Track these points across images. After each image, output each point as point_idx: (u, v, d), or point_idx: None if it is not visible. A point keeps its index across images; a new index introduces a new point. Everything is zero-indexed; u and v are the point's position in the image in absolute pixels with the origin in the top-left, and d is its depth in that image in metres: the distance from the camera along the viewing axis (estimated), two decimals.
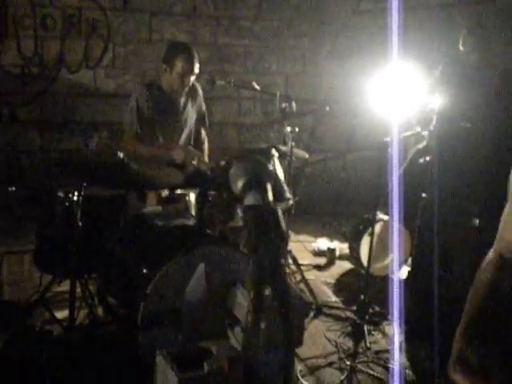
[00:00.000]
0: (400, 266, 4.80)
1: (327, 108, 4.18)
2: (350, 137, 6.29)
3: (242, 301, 3.06)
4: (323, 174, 6.51)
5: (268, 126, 5.39)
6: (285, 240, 3.03)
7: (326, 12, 6.25)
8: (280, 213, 2.94)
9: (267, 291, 2.60)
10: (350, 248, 4.97)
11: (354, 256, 4.87)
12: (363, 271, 4.62)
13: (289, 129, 3.95)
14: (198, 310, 3.16)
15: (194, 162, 4.06)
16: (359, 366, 3.47)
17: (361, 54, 6.03)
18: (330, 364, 3.54)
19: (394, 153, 4.30)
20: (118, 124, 5.64)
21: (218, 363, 2.87)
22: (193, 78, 4.18)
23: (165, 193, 3.83)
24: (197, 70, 4.14)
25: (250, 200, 2.89)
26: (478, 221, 3.48)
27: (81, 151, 5.60)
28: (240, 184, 2.95)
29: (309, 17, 6.22)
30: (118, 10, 5.57)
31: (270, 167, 3.08)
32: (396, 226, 4.46)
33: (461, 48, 4.95)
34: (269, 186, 3.03)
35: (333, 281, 4.73)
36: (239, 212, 3.49)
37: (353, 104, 5.57)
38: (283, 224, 2.87)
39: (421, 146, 4.35)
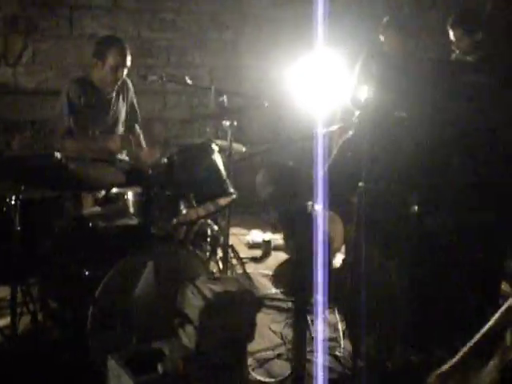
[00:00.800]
0: (333, 255, 4.88)
1: (266, 104, 4.19)
2: (277, 128, 6.34)
3: (193, 299, 3.05)
4: (249, 165, 6.53)
5: (200, 120, 5.34)
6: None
7: (248, 4, 6.25)
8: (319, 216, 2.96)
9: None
10: (284, 238, 5.01)
11: (288, 246, 4.91)
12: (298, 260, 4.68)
13: (228, 123, 3.94)
14: (149, 310, 3.13)
15: (132, 149, 4.05)
16: (307, 356, 3.51)
17: (285, 44, 6.05)
18: (278, 356, 3.57)
19: (319, 144, 4.38)
20: (41, 122, 5.52)
21: (172, 363, 2.85)
22: (125, 72, 4.12)
23: (101, 193, 3.76)
24: (129, 62, 4.09)
25: (283, 206, 2.92)
26: (416, 208, 3.57)
27: (3, 152, 5.44)
28: (269, 190, 2.94)
29: (231, 9, 6.20)
30: (37, 5, 5.39)
31: (298, 172, 3.10)
32: (326, 213, 4.52)
33: (381, 38, 5.08)
34: (299, 191, 3.05)
35: (270, 272, 4.76)
36: (182, 209, 3.47)
37: (277, 95, 5.59)
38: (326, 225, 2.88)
39: (349, 135, 4.43)
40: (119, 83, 4.20)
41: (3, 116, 5.48)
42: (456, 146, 3.42)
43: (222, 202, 3.72)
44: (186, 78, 4.30)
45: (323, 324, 3.90)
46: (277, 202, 2.89)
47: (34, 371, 3.12)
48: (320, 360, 3.44)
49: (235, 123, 3.93)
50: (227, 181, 3.57)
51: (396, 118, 3.64)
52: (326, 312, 3.98)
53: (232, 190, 3.56)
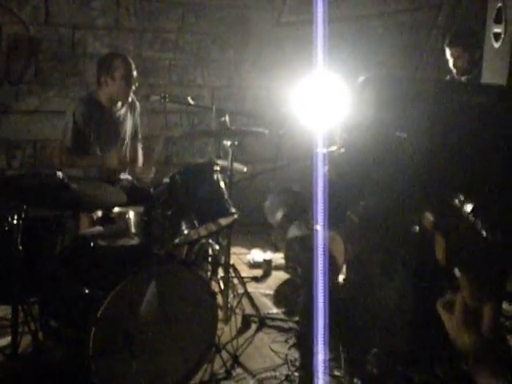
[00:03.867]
0: (334, 274, 4.87)
1: (266, 132, 4.21)
2: (278, 148, 6.35)
3: None
4: (251, 185, 6.54)
5: (198, 139, 5.35)
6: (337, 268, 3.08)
7: (250, 24, 6.29)
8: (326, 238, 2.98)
9: None
10: (285, 258, 5.00)
11: (290, 266, 4.90)
12: (300, 281, 4.67)
13: (229, 143, 3.96)
14: (152, 329, 3.12)
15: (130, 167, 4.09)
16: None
17: (285, 65, 6.09)
18: (280, 376, 3.56)
19: (319, 164, 4.39)
20: (42, 141, 5.54)
21: None
22: (135, 85, 4.16)
23: (98, 213, 3.78)
24: (135, 73, 4.14)
25: (293, 231, 2.94)
26: (418, 228, 3.57)
27: (4, 171, 5.46)
28: (279, 215, 2.97)
29: (233, 29, 6.23)
30: (40, 25, 5.42)
31: (307, 196, 3.13)
32: (326, 233, 4.52)
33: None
34: (311, 215, 3.07)
35: (272, 292, 4.75)
36: (184, 229, 3.47)
37: (279, 115, 5.61)
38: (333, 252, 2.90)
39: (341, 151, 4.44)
40: (130, 99, 4.24)
41: (5, 135, 5.50)
42: (456, 166, 3.42)
43: (224, 221, 3.72)
44: (188, 98, 4.33)
45: (323, 344, 3.90)
46: (287, 227, 2.93)
47: None
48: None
49: (236, 143, 3.95)
50: (229, 201, 3.58)
51: (396, 138, 3.66)
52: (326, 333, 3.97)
53: (233, 210, 3.57)
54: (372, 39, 6.41)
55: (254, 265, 5.27)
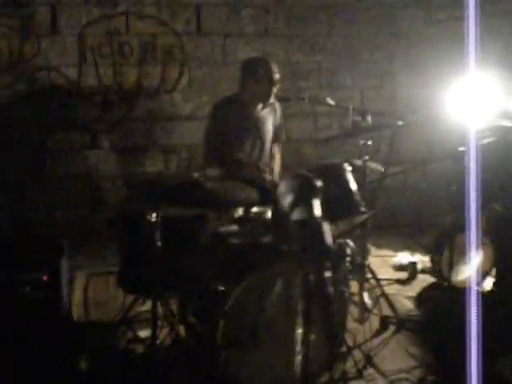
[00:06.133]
0: (482, 278, 4.68)
1: (400, 122, 4.12)
2: (429, 147, 6.20)
3: None
4: (404, 186, 6.44)
5: (338, 139, 5.34)
6: (329, 252, 3.05)
7: (398, 24, 6.20)
8: (326, 227, 2.96)
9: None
10: (432, 261, 4.87)
11: (435, 269, 4.77)
12: (446, 284, 4.54)
13: (362, 142, 3.94)
14: (277, 325, 3.18)
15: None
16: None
17: (435, 64, 5.95)
18: (413, 379, 3.48)
19: (471, 162, 4.23)
20: (196, 146, 5.79)
21: None
22: (277, 86, 4.25)
23: (238, 213, 3.88)
24: (277, 75, 4.22)
25: (296, 215, 2.96)
26: None
27: (161, 174, 5.77)
28: (287, 201, 2.99)
29: (381, 30, 6.18)
30: (192, 35, 5.69)
31: (318, 183, 3.10)
32: (475, 235, 4.35)
33: None
34: (315, 202, 3.05)
35: (414, 294, 4.65)
36: None
37: (430, 114, 5.49)
38: (328, 237, 2.89)
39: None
40: (271, 101, 4.34)
41: (162, 140, 5.82)
42: None
43: (355, 221, 3.71)
44: (328, 98, 4.34)
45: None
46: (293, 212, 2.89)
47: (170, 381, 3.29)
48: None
49: (369, 142, 3.92)
50: (359, 200, 3.56)
51: None
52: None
53: (363, 209, 3.54)
54: None
55: (399, 267, 5.19)
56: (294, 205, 2.96)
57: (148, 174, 5.27)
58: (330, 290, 3.13)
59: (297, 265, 3.07)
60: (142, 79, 5.67)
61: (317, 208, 3.00)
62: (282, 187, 3.14)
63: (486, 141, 4.08)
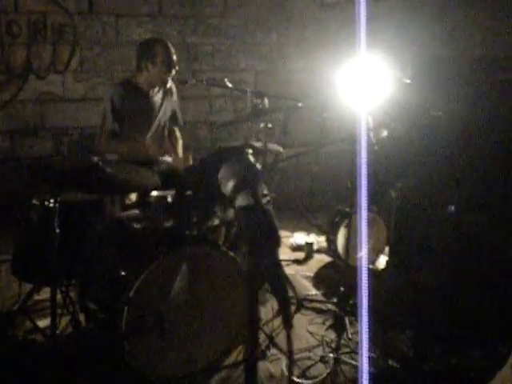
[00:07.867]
0: (376, 256, 4.85)
1: (299, 104, 4.17)
2: (321, 130, 6.31)
3: None
4: (296, 169, 6.54)
5: (239, 123, 5.36)
6: (279, 238, 3.08)
7: (292, 7, 6.26)
8: (273, 212, 2.97)
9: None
10: (328, 240, 4.99)
11: (331, 248, 4.89)
12: (341, 263, 4.66)
13: (262, 125, 3.96)
14: (183, 311, 3.17)
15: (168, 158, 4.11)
16: (343, 358, 3.50)
17: (328, 47, 6.06)
18: (314, 357, 3.56)
19: (362, 145, 4.35)
20: (89, 128, 5.65)
21: None
22: (175, 70, 4.19)
23: (135, 197, 3.82)
24: (175, 58, 4.16)
25: (241, 201, 2.93)
26: (453, 207, 3.53)
27: (52, 157, 5.59)
28: (230, 186, 2.97)
29: (275, 12, 6.22)
30: (84, 14, 5.53)
31: (259, 167, 3.10)
32: (367, 215, 4.48)
33: None
34: (259, 187, 3.06)
35: (312, 274, 4.75)
36: (217, 211, 3.50)
37: (322, 97, 5.58)
38: (276, 223, 2.90)
39: (383, 135, 4.39)
40: (168, 85, 4.26)
41: (53, 123, 5.63)
42: (490, 142, 3.36)
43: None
44: (226, 80, 4.32)
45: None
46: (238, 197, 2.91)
47: (73, 370, 3.20)
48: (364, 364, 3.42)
49: (269, 125, 3.94)
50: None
51: (431, 116, 3.60)
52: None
53: (266, 192, 3.57)
54: (418, 19, 6.29)
55: (296, 247, 5.28)
56: (237, 190, 2.94)
57: (45, 158, 5.09)
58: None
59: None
60: (31, 59, 5.45)
61: (261, 193, 3.01)
62: (222, 171, 3.11)
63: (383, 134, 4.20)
